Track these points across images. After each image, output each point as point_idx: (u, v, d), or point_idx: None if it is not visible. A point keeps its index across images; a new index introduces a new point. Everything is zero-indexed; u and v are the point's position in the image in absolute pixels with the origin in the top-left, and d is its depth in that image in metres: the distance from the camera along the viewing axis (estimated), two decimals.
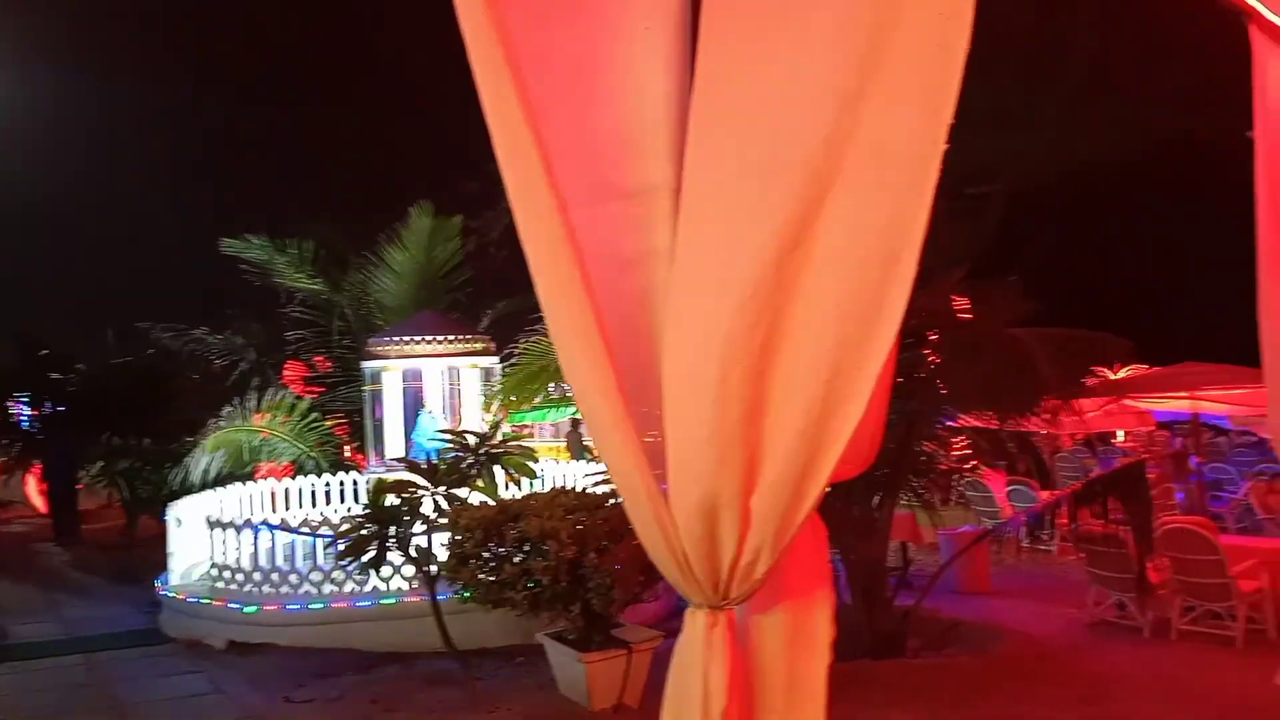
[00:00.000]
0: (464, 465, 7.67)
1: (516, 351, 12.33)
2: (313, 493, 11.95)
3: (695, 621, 1.96)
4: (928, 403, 8.59)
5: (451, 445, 8.12)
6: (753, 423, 1.82)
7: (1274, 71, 3.84)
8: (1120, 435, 22.67)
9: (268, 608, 8.66)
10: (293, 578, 8.67)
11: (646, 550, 1.96)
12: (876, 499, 8.43)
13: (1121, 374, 18.22)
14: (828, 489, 1.89)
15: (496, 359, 11.63)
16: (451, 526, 6.88)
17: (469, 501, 7.34)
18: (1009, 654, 7.76)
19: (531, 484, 9.91)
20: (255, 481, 11.89)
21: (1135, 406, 10.08)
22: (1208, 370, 9.29)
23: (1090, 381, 9.24)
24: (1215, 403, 9.34)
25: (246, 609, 8.74)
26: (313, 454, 12.98)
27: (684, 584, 1.95)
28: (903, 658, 7.78)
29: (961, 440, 11.60)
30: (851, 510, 8.35)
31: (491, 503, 7.16)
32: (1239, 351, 4.16)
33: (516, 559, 6.33)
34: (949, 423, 9.48)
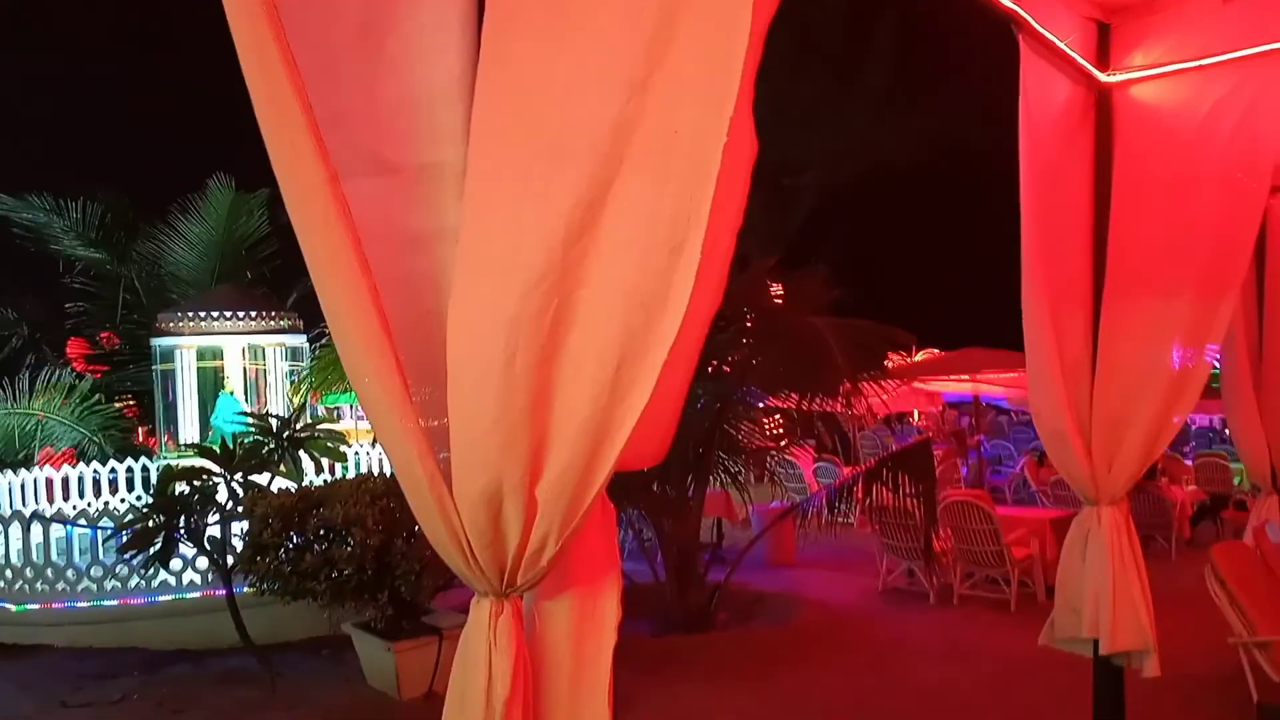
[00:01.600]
0: (265, 450, 7.25)
1: (328, 330, 11.78)
2: (96, 480, 10.97)
3: (480, 611, 1.92)
4: (739, 385, 8.90)
5: (253, 428, 7.65)
6: (539, 410, 1.79)
7: (1037, 78, 4.18)
8: (916, 415, 24.47)
9: (40, 606, 7.90)
10: (69, 574, 7.94)
11: (429, 540, 1.90)
12: (690, 479, 8.67)
13: (919, 357, 19.63)
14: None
15: (304, 337, 11.06)
16: (248, 515, 6.49)
17: (270, 489, 6.94)
18: (808, 623, 8.19)
19: (344, 469, 9.52)
20: (33, 469, 10.79)
21: (925, 389, 10.86)
22: (987, 355, 10.13)
23: (889, 365, 9.91)
24: (993, 385, 10.20)
25: (16, 608, 7.94)
26: (96, 438, 11.92)
27: (468, 573, 1.90)
28: (712, 631, 8.05)
29: (775, 420, 12.12)
30: (666, 491, 8.55)
31: (293, 489, 6.81)
32: (1015, 338, 4.55)
33: (319, 548, 6.05)
34: (762, 404, 9.88)
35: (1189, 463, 13.52)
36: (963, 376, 9.95)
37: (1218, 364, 6.89)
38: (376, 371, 1.77)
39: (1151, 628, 4.31)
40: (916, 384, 10.39)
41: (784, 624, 8.26)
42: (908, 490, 8.20)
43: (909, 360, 18.95)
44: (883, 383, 8.64)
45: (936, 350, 17.82)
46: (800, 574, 10.63)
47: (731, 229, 1.99)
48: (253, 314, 10.12)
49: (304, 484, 7.12)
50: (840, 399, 8.31)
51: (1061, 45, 4.28)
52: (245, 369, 10.71)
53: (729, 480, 9.22)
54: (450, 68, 1.94)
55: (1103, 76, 4.63)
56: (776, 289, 9.88)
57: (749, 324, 8.68)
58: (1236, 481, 12.16)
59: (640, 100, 1.64)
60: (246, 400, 10.53)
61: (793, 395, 9.16)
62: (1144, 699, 4.62)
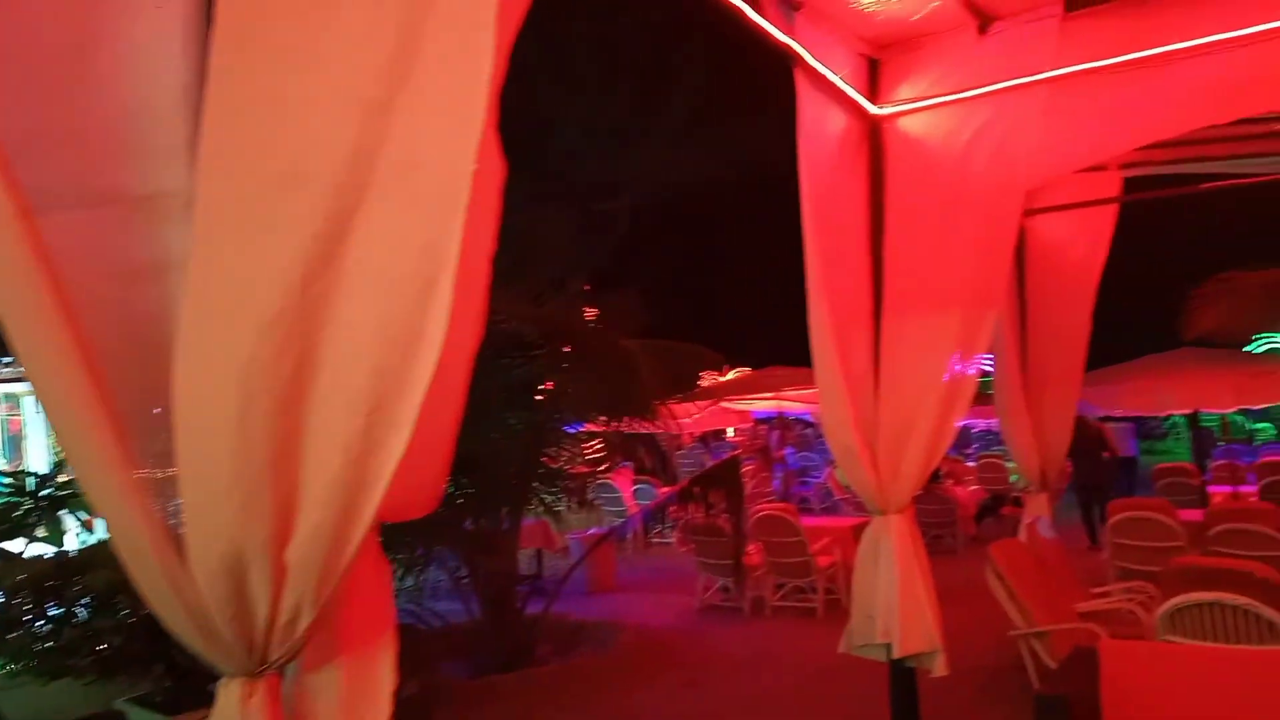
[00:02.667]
0: (19, 512, 6.43)
1: None
2: None
3: (228, 695, 1.72)
4: (555, 412, 8.79)
5: (5, 488, 6.79)
6: (283, 464, 1.61)
7: (814, 110, 4.36)
8: (731, 431, 25.24)
9: None
10: None
11: (158, 616, 1.67)
12: (506, 511, 8.46)
13: (731, 375, 20.27)
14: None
15: None
16: None
17: (23, 555, 6.16)
18: (629, 647, 8.15)
19: None
20: None
21: (732, 407, 11.20)
22: (788, 373, 10.56)
23: (702, 385, 10.19)
24: (794, 401, 10.64)
25: None
26: None
27: (211, 652, 1.69)
28: (532, 666, 7.85)
29: (595, 444, 12.11)
30: (481, 525, 8.30)
31: (52, 554, 6.07)
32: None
33: (81, 619, 5.41)
34: (580, 428, 9.81)
35: (971, 464, 14.64)
36: (767, 394, 10.32)
37: (991, 370, 7.49)
38: (82, 424, 1.54)
39: (938, 630, 4.54)
40: (724, 403, 10.69)
41: (605, 651, 8.19)
42: (718, 507, 8.36)
43: (720, 380, 19.58)
44: (693, 403, 8.82)
45: (748, 369, 18.49)
46: (622, 599, 10.61)
47: (486, 255, 1.90)
48: (5, 359, 9.05)
49: (64, 549, 6.37)
50: (654, 420, 8.38)
51: (835, 80, 4.49)
52: (1, 419, 9.57)
53: (545, 510, 9.08)
54: (172, 85, 1.74)
55: (873, 109, 4.90)
56: (591, 313, 9.90)
57: (566, 349, 8.61)
58: (1013, 480, 13.26)
59: (382, 122, 1.52)
60: (2, 454, 9.40)
61: (609, 419, 9.15)
62: (938, 694, 4.86)
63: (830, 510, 14.64)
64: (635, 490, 14.84)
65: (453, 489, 7.76)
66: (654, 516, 8.99)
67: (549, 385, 8.78)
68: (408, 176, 1.55)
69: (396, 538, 6.79)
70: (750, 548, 9.30)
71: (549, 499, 9.05)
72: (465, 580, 8.36)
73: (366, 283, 1.58)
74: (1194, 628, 4.50)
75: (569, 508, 10.38)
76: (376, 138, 1.53)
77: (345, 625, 1.88)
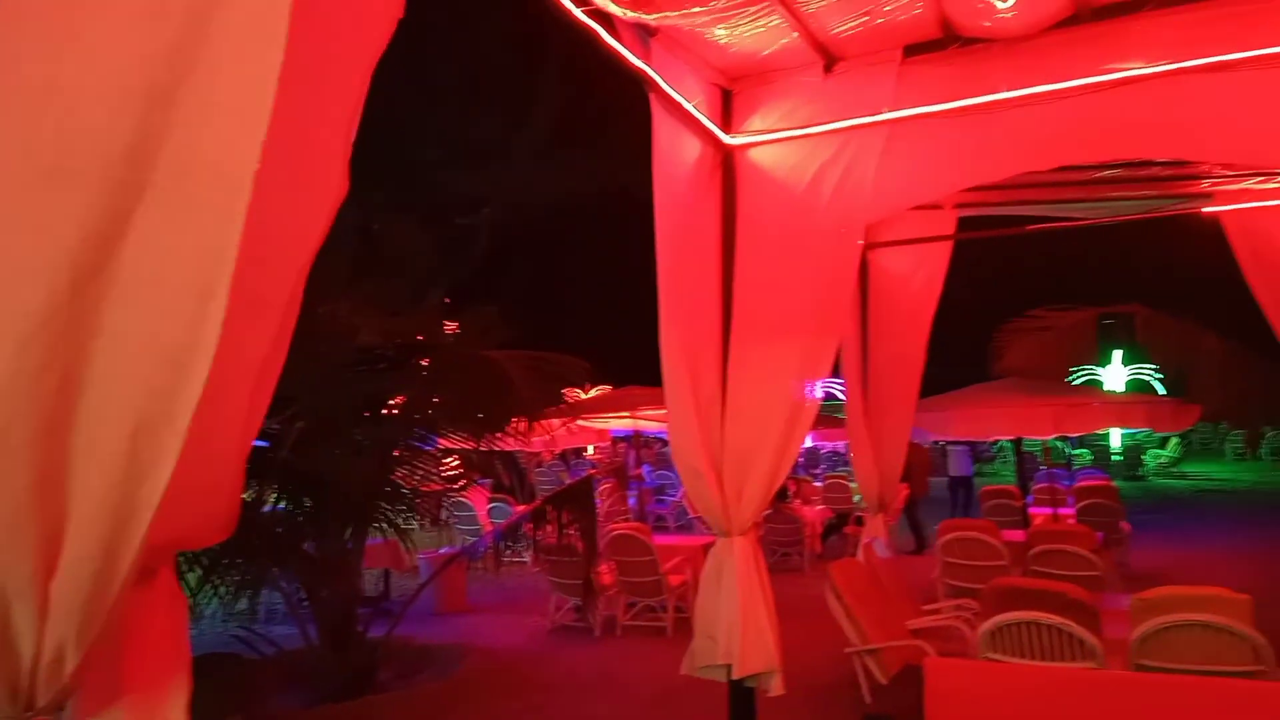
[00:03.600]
0: None
1: None
2: None
3: None
4: (409, 427, 8.51)
5: None
6: (48, 491, 1.45)
7: (668, 136, 4.41)
8: (591, 449, 25.24)
9: None
10: None
11: None
12: (349, 531, 8.12)
13: (592, 393, 20.25)
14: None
15: None
16: None
17: None
18: (476, 671, 7.96)
19: None
20: None
21: (590, 425, 11.20)
22: (645, 392, 10.65)
23: (565, 402, 10.10)
24: (650, 420, 10.73)
25: None
26: None
27: None
28: (370, 693, 7.54)
29: (453, 460, 11.80)
30: (322, 547, 7.93)
31: None
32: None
33: None
34: (434, 445, 9.54)
35: (819, 484, 15.14)
36: (623, 413, 10.38)
37: (841, 395, 7.75)
38: None
39: (777, 649, 4.63)
40: (581, 421, 10.66)
41: (450, 675, 7.95)
42: (571, 526, 8.29)
43: (582, 397, 19.56)
44: (550, 422, 8.72)
45: (608, 387, 18.51)
46: (472, 620, 10.37)
47: (298, 267, 1.78)
48: None
49: None
50: (515, 435, 8.24)
51: (689, 107, 4.55)
52: None
53: (393, 529, 8.77)
54: None
55: (726, 138, 5.00)
56: (451, 326, 9.67)
57: (423, 363, 8.36)
58: (856, 499, 13.79)
59: (162, 116, 1.40)
60: None
61: (467, 435, 8.95)
62: (775, 712, 4.94)
63: (685, 528, 14.82)
64: (490, 508, 14.60)
65: (292, 508, 7.40)
66: (507, 535, 8.82)
67: (401, 400, 8.51)
68: (188, 175, 1.42)
69: (225, 560, 6.40)
70: (603, 567, 9.27)
71: (397, 518, 8.76)
72: (304, 603, 7.97)
73: (139, 290, 1.45)
74: (1012, 645, 4.76)
75: (421, 526, 10.08)
76: (156, 132, 1.41)
77: (129, 665, 1.72)
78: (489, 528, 13.26)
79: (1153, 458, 23.91)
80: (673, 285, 4.46)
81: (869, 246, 7.30)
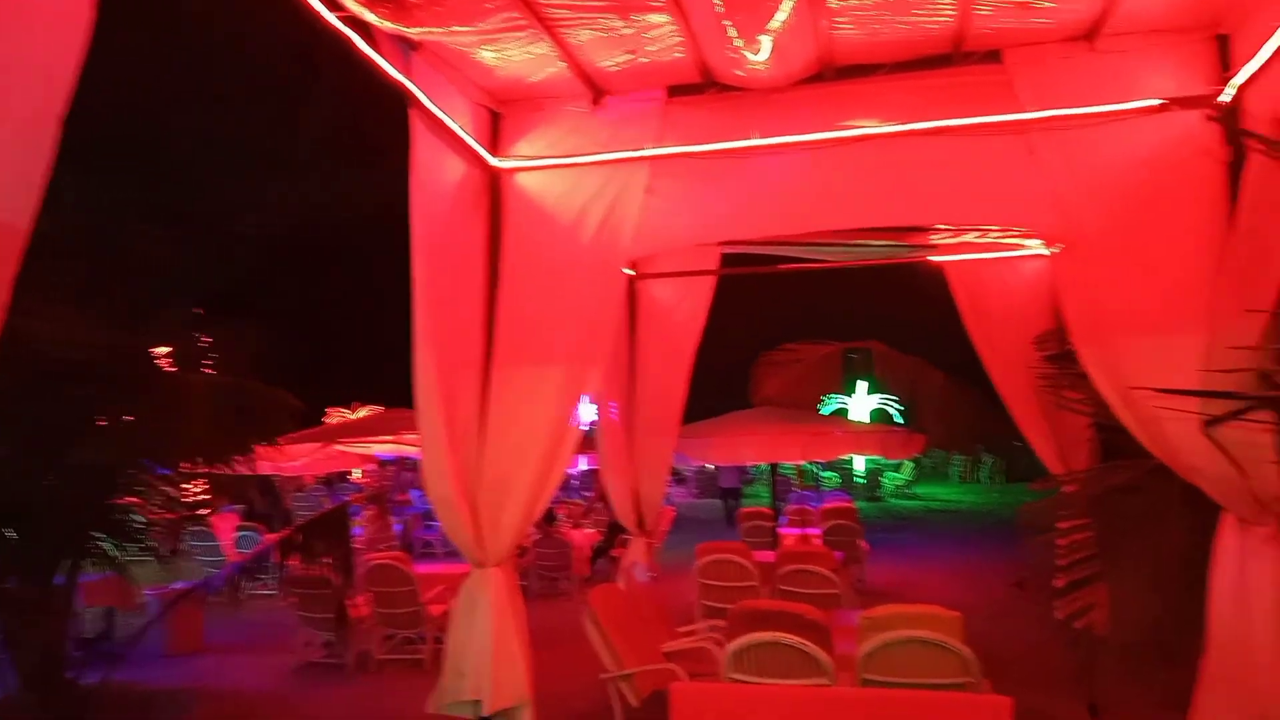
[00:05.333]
0: None
1: None
2: None
3: None
4: (130, 451, 7.70)
5: None
6: None
7: (431, 154, 4.28)
8: (358, 473, 24.11)
9: None
10: None
11: None
12: (64, 566, 7.22)
13: (361, 414, 19.34)
14: None
15: None
16: None
17: None
18: (207, 718, 7.30)
19: None
20: None
21: (349, 450, 10.66)
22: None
23: (325, 423, 9.58)
24: (414, 445, 10.38)
25: None
26: None
27: None
28: None
29: (195, 487, 10.80)
30: (26, 584, 7.00)
31: None
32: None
33: None
34: (168, 471, 8.68)
35: (585, 506, 15.29)
36: (386, 437, 9.95)
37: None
38: None
39: (528, 682, 4.57)
40: (338, 446, 10.12)
41: None
42: (323, 556, 7.82)
43: (350, 418, 18.65)
44: (305, 445, 8.23)
45: (380, 407, 17.76)
46: (209, 661, 9.52)
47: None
48: None
49: None
50: (248, 461, 7.65)
51: (453, 125, 4.45)
52: None
53: (112, 563, 7.89)
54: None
55: (494, 161, 4.95)
56: (204, 340, 8.88)
57: (142, 380, 7.58)
58: None
59: None
60: None
61: (205, 459, 8.22)
62: None
63: (454, 555, 14.40)
64: (238, 537, 13.54)
65: None
66: (251, 567, 8.19)
67: (129, 419, 7.69)
68: None
69: None
70: (359, 599, 8.81)
71: (119, 551, 7.89)
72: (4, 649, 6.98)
73: None
74: (755, 665, 4.96)
75: (154, 558, 9.14)
76: None
77: None
78: (233, 559, 12.30)
79: (890, 480, 26.17)
80: (430, 305, 4.33)
81: (640, 277, 7.50)
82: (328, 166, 20.56)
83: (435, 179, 4.39)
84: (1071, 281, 4.38)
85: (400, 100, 4.18)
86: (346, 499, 12.74)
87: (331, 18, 3.48)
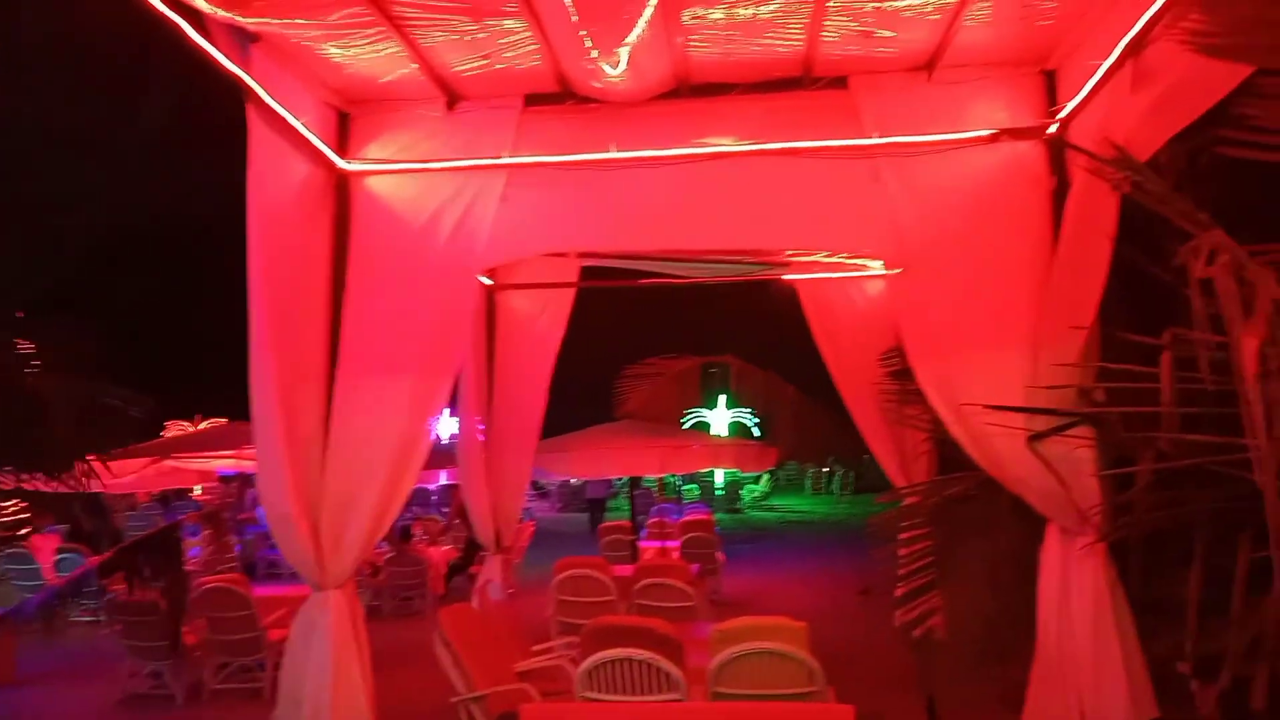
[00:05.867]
0: None
1: None
2: None
3: None
4: None
5: None
6: None
7: (267, 152, 4.05)
8: (199, 489, 22.72)
9: None
10: None
11: None
12: None
13: (203, 426, 18.19)
14: None
15: None
16: None
17: None
18: None
19: None
20: None
21: (187, 465, 9.98)
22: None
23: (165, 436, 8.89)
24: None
25: None
26: None
27: None
28: None
29: (10, 505, 9.87)
30: None
31: None
32: None
33: None
34: None
35: (444, 523, 14.91)
36: (226, 451, 9.38)
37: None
38: None
39: (370, 710, 4.36)
40: (172, 460, 9.46)
41: None
42: (151, 580, 7.28)
43: (192, 430, 17.49)
44: (135, 459, 7.64)
45: (224, 420, 16.76)
46: (20, 694, 8.74)
47: None
48: None
49: None
50: (70, 478, 7.04)
51: (295, 124, 4.23)
52: None
53: None
54: None
55: (341, 163, 4.73)
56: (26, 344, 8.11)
57: None
58: None
59: None
60: None
61: (15, 472, 7.52)
62: None
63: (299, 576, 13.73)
64: (59, 560, 12.51)
65: None
66: (69, 592, 7.54)
67: None
68: None
69: None
70: (192, 625, 8.25)
71: None
72: None
73: None
74: (608, 682, 4.90)
75: None
76: None
77: None
78: (53, 582, 11.32)
79: (748, 492, 26.78)
80: (268, 311, 4.08)
81: (498, 288, 7.35)
82: (167, 161, 19.35)
83: (275, 179, 4.15)
84: (908, 302, 4.56)
85: (239, 95, 3.94)
86: (179, 518, 11.91)
87: (158, 3, 3.23)
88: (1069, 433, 3.69)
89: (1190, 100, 3.30)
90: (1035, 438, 3.66)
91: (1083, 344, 3.83)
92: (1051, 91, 4.44)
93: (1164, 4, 3.24)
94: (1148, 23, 3.45)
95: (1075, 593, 4.09)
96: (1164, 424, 2.58)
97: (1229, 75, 2.88)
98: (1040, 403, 3.81)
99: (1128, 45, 3.59)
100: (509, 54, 4.30)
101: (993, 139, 4.31)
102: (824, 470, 28.17)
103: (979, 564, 5.45)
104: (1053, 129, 4.33)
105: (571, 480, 24.62)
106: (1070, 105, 4.16)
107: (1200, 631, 2.76)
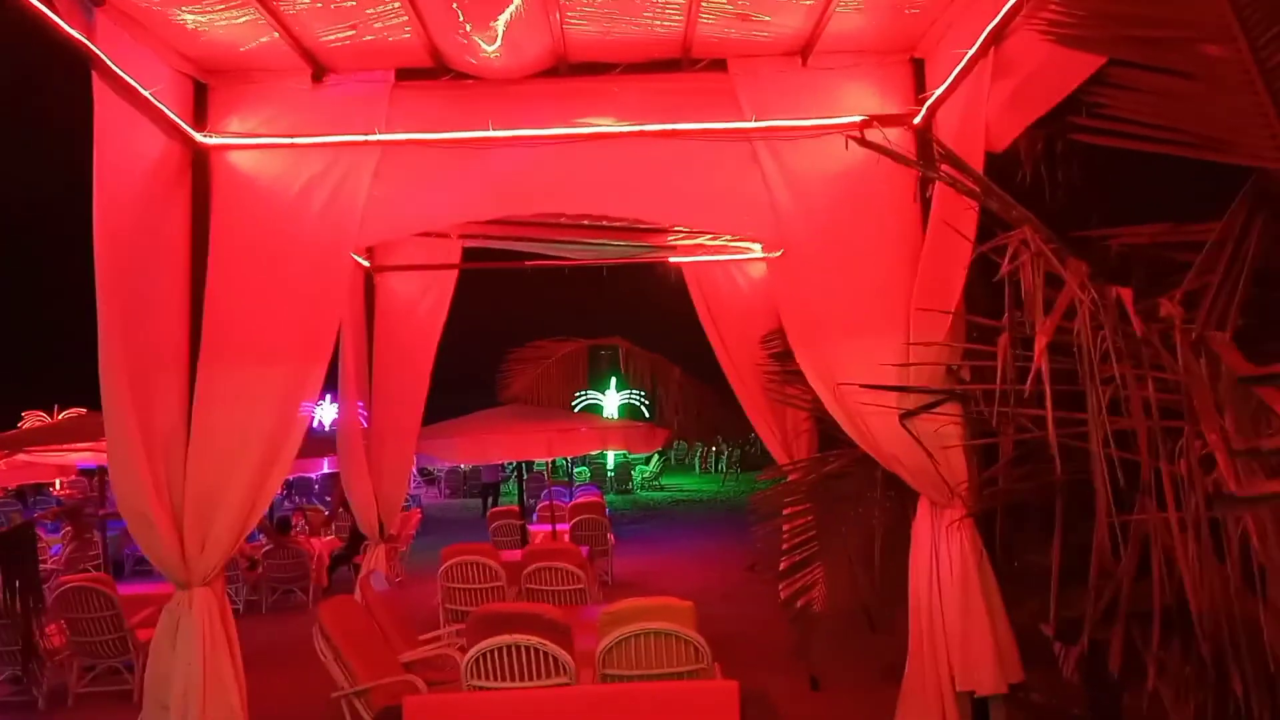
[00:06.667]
0: None
1: None
2: None
3: None
4: None
5: None
6: None
7: (115, 124, 3.78)
8: (58, 484, 21.37)
9: None
10: None
11: None
12: None
13: (61, 417, 17.05)
14: None
15: None
16: None
17: None
18: None
19: None
20: None
21: (42, 459, 9.33)
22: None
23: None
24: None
25: None
26: None
27: None
28: None
29: None
30: None
31: None
32: None
33: None
34: None
35: (327, 512, 14.46)
36: (84, 444, 8.80)
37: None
38: None
39: (243, 710, 4.18)
40: (25, 455, 8.81)
41: None
42: (4, 582, 6.80)
43: (49, 422, 16.38)
44: None
45: (83, 410, 15.76)
46: None
47: None
48: None
49: None
50: None
51: (146, 94, 3.96)
52: None
53: None
54: None
55: (199, 137, 4.46)
56: None
57: None
58: None
59: None
60: None
61: None
62: None
63: None
64: None
65: None
66: None
67: None
68: None
69: None
70: (51, 627, 7.75)
71: None
72: None
73: None
74: (496, 670, 4.84)
75: None
76: None
77: None
78: None
79: (639, 473, 26.95)
80: (117, 296, 3.80)
81: (376, 270, 7.12)
82: (6, 138, 17.95)
83: (125, 154, 3.87)
84: (787, 284, 4.63)
85: (83, 63, 3.65)
86: (35, 515, 11.15)
87: None
88: (937, 410, 3.82)
89: (1048, 88, 3.44)
90: (906, 415, 3.77)
91: (949, 326, 3.96)
92: (920, 80, 4.56)
93: None
94: (1008, 13, 3.57)
95: (945, 564, 4.26)
96: (1013, 401, 2.70)
97: (1084, 65, 3.01)
98: (911, 382, 3.94)
99: (989, 34, 3.71)
100: (378, 25, 4.13)
101: (862, 125, 4.39)
102: (712, 449, 28.61)
103: (856, 538, 5.62)
104: (919, 117, 4.45)
105: (461, 466, 24.26)
106: (935, 94, 4.28)
107: (1061, 599, 2.91)
